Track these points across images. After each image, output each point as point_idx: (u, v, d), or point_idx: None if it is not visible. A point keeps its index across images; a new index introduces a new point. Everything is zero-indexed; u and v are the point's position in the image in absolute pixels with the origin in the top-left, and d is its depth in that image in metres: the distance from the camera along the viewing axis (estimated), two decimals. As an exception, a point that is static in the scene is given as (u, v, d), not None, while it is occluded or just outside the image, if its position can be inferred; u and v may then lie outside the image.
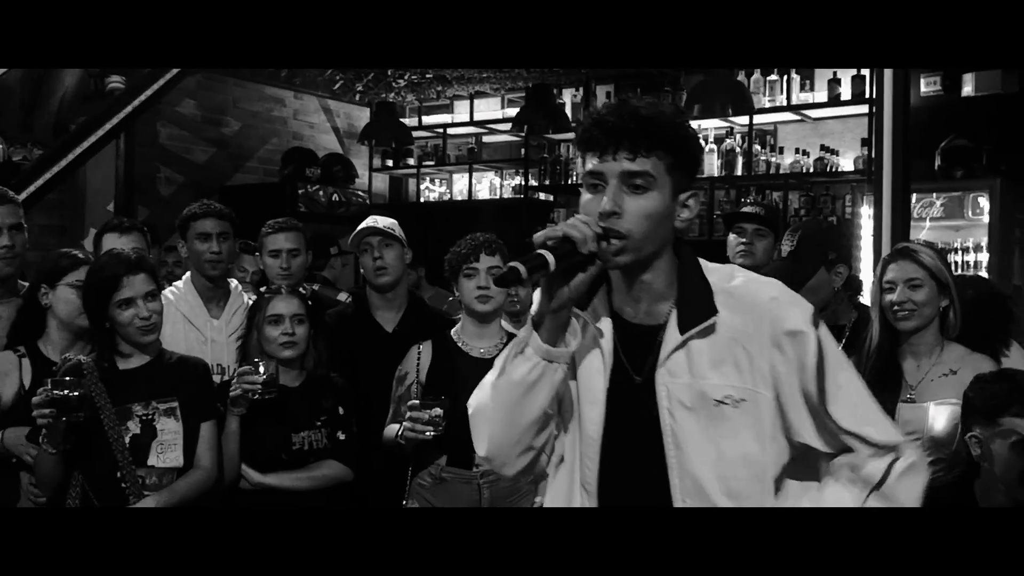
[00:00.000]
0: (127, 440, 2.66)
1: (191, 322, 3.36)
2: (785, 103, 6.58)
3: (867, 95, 6.10)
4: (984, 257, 5.50)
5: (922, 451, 1.84)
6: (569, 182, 7.57)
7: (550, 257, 1.43)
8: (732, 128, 6.79)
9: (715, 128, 6.80)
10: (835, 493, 1.57)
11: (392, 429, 2.92)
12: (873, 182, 4.18)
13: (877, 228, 4.06)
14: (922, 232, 5.61)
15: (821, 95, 6.48)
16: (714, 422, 1.55)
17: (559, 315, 1.53)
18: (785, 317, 1.56)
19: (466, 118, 8.09)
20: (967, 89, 5.96)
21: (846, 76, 6.32)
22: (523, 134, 7.54)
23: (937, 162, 5.72)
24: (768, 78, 6.61)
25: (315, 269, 5.11)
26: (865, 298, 3.41)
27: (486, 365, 2.87)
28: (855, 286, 3.21)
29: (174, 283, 3.49)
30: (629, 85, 7.26)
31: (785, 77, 6.57)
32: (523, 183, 7.77)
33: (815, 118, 6.68)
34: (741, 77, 6.59)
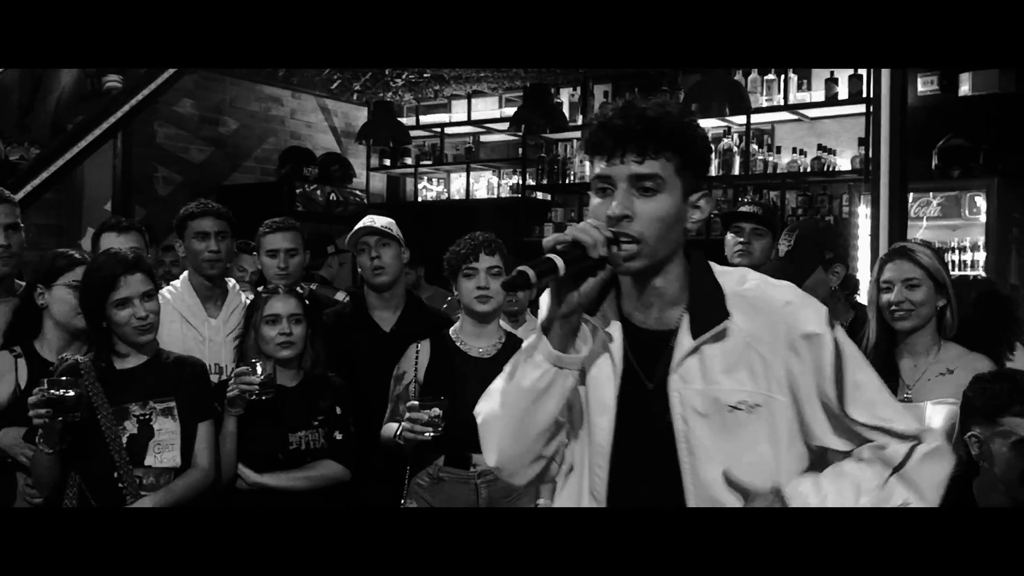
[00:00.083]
0: (124, 440, 2.66)
1: (189, 322, 3.35)
2: (782, 103, 6.59)
3: (864, 95, 6.11)
4: (981, 256, 5.51)
5: (947, 440, 1.80)
6: (567, 181, 7.58)
7: (559, 261, 1.41)
8: (729, 128, 6.80)
9: (712, 128, 6.80)
10: (857, 469, 1.53)
11: (390, 428, 2.91)
12: (870, 181, 4.18)
13: (874, 227, 4.07)
14: (919, 231, 5.61)
15: (818, 95, 6.49)
16: (728, 428, 1.53)
17: (569, 321, 1.51)
18: (800, 320, 1.54)
19: (464, 117, 8.09)
20: (964, 88, 5.97)
21: (843, 76, 6.33)
22: (521, 134, 7.55)
23: (934, 161, 5.73)
24: (765, 78, 6.61)
25: (312, 268, 5.11)
26: (862, 297, 3.41)
27: (484, 365, 2.92)
28: (852, 285, 3.22)
29: (171, 282, 3.48)
30: (627, 85, 7.26)
31: (782, 77, 6.58)
32: (521, 182, 7.77)
33: (812, 118, 6.69)
34: (738, 77, 6.60)
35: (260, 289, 3.15)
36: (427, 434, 2.72)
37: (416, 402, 2.77)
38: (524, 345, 1.58)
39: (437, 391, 2.82)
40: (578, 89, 7.54)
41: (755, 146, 6.69)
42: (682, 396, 1.54)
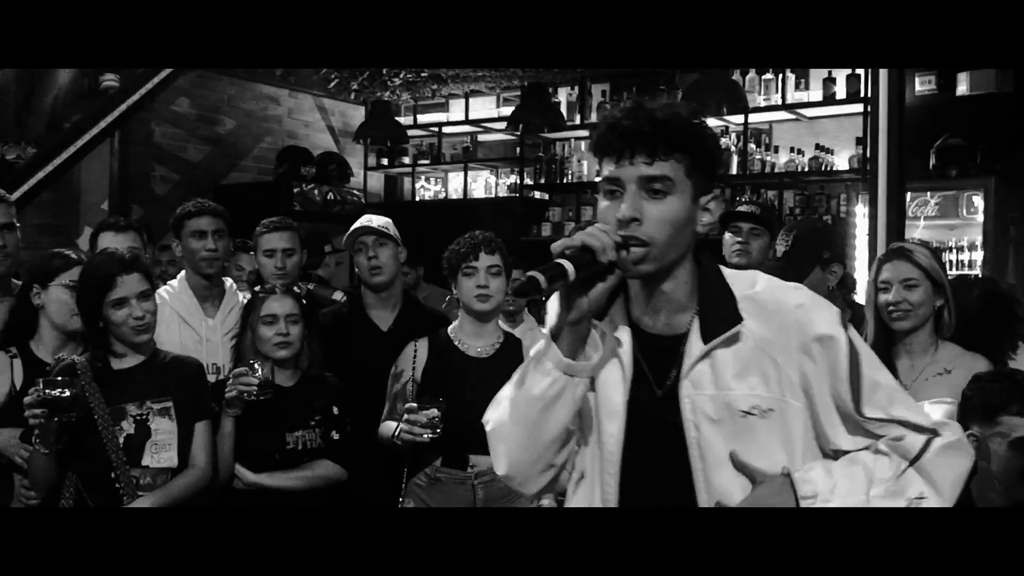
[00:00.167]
0: (121, 440, 2.65)
1: (186, 321, 3.35)
2: (780, 102, 6.59)
3: (862, 94, 6.11)
4: (979, 256, 5.52)
5: (964, 435, 1.77)
6: (565, 181, 7.58)
7: (569, 267, 1.39)
8: (727, 127, 6.80)
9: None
10: (871, 459, 1.50)
11: (388, 427, 2.91)
12: (868, 181, 4.18)
13: (872, 227, 4.07)
14: (917, 231, 5.62)
15: (816, 94, 6.49)
16: (741, 434, 1.50)
17: (579, 327, 1.48)
18: (814, 322, 1.52)
19: (461, 117, 8.08)
20: (962, 88, 5.97)
21: (841, 75, 6.33)
22: (518, 133, 7.54)
23: (932, 161, 5.73)
24: (763, 77, 6.62)
25: (310, 268, 5.10)
26: (859, 296, 3.42)
27: (482, 364, 2.92)
28: (849, 284, 3.22)
29: (169, 282, 3.48)
30: (625, 84, 7.26)
31: (780, 76, 6.58)
32: (518, 182, 7.77)
33: (810, 117, 6.69)
34: (736, 76, 6.60)
35: (257, 289, 3.14)
36: (425, 436, 2.71)
37: (414, 404, 2.77)
38: (533, 352, 1.55)
39: (435, 390, 2.82)
40: (576, 88, 7.53)
41: (753, 145, 6.69)
42: (694, 402, 1.52)
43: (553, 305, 1.55)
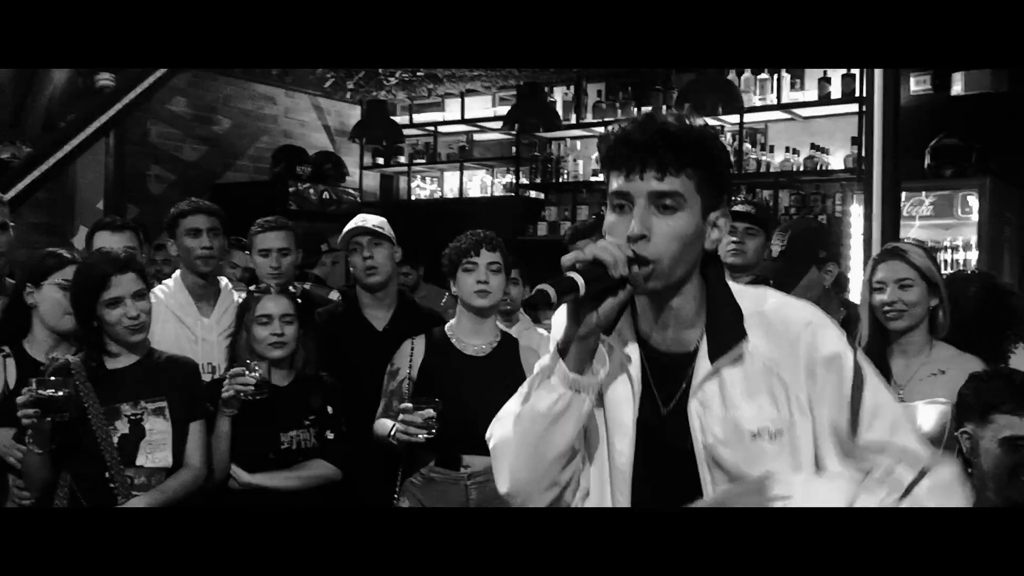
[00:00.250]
0: (115, 440, 2.65)
1: (181, 321, 3.34)
2: (775, 102, 6.60)
3: (857, 94, 6.12)
4: (973, 256, 5.52)
5: (961, 469, 1.70)
6: (560, 180, 7.58)
7: (580, 280, 1.36)
8: (723, 127, 6.80)
9: (706, 126, 6.81)
10: (857, 487, 1.46)
11: (384, 425, 2.91)
12: (863, 181, 4.19)
13: (867, 226, 4.07)
14: (912, 231, 5.62)
15: (811, 94, 6.50)
16: (751, 456, 1.47)
17: (587, 342, 1.44)
18: (819, 342, 1.49)
19: (457, 116, 8.08)
20: (957, 88, 5.98)
21: (836, 75, 6.34)
22: (514, 132, 7.54)
23: (927, 161, 5.74)
24: (758, 77, 6.63)
25: (306, 267, 5.10)
26: (852, 295, 3.42)
27: (479, 363, 2.92)
28: (842, 283, 3.23)
29: (164, 281, 3.48)
30: (621, 84, 7.27)
31: (775, 76, 6.59)
32: (514, 181, 7.77)
33: (805, 117, 6.70)
34: (731, 76, 6.61)
35: (252, 288, 3.14)
36: (420, 436, 2.71)
37: (410, 404, 2.77)
38: (538, 367, 1.51)
39: (430, 388, 2.82)
40: (572, 88, 7.53)
41: (748, 145, 6.70)
42: (703, 422, 1.49)
43: (559, 319, 1.53)
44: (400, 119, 8.33)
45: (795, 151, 6.62)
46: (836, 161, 6.54)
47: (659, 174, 1.43)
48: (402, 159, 8.40)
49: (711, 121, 6.67)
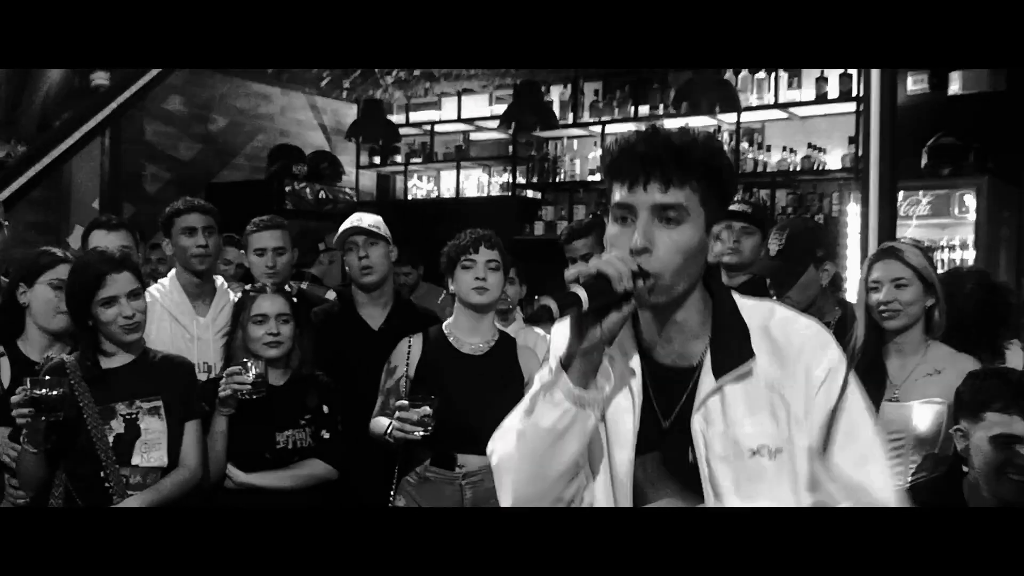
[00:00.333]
0: (111, 439, 2.65)
1: (177, 320, 3.34)
2: (772, 101, 6.60)
3: (854, 93, 6.12)
4: (971, 255, 5.52)
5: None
6: (557, 180, 7.58)
7: (583, 294, 1.34)
8: (720, 126, 6.81)
9: (702, 126, 6.81)
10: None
11: (380, 423, 2.91)
12: (860, 180, 4.19)
13: (864, 226, 4.07)
14: (909, 230, 5.62)
15: (808, 93, 6.50)
16: (751, 475, 1.46)
17: (590, 356, 1.42)
18: (816, 361, 1.48)
19: (454, 115, 8.08)
20: (954, 87, 5.98)
21: (833, 74, 6.35)
22: (511, 131, 7.54)
23: (924, 160, 5.74)
24: (755, 76, 6.63)
25: (303, 266, 5.10)
26: (849, 295, 3.42)
27: (476, 362, 2.92)
28: (837, 283, 3.23)
29: (159, 280, 3.47)
30: (618, 83, 7.27)
31: (772, 76, 6.59)
32: (511, 180, 7.77)
33: (802, 116, 6.70)
34: (728, 75, 6.60)
35: (248, 288, 3.14)
36: (417, 434, 2.71)
37: (405, 401, 2.77)
38: (539, 381, 1.50)
39: (427, 386, 2.81)
40: (569, 87, 7.53)
41: (745, 144, 6.71)
42: (706, 438, 1.48)
43: (559, 333, 1.51)
44: (396, 118, 8.32)
45: (792, 150, 6.62)
46: (833, 160, 6.54)
47: (663, 186, 1.42)
48: (398, 158, 8.39)
49: (708, 120, 6.68)
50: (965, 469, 2.38)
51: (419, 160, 8.33)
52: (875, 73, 4.01)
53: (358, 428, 3.03)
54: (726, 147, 6.66)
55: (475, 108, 8.05)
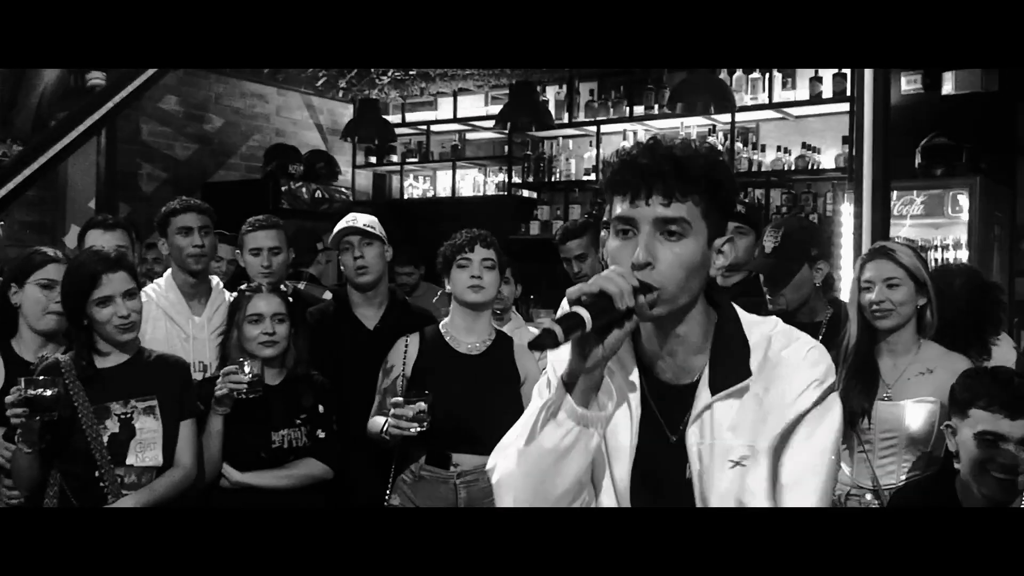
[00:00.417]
0: (105, 439, 2.65)
1: (173, 319, 3.34)
2: (767, 101, 6.61)
3: (848, 93, 6.13)
4: (964, 254, 5.54)
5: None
6: (553, 179, 7.58)
7: (586, 315, 1.32)
8: (714, 126, 6.82)
9: (697, 126, 6.83)
10: None
11: (377, 422, 2.91)
12: (854, 180, 4.20)
13: (857, 225, 4.08)
14: (903, 230, 5.65)
15: (803, 93, 6.51)
16: (735, 482, 1.46)
17: (592, 375, 1.40)
18: (803, 377, 1.47)
19: (449, 115, 8.07)
20: (947, 87, 6.00)
21: (827, 74, 6.35)
22: (507, 131, 7.54)
23: (918, 160, 5.75)
24: (750, 76, 6.63)
25: (301, 266, 5.10)
26: (841, 294, 3.43)
27: (472, 361, 2.92)
28: (829, 282, 3.24)
29: (155, 280, 3.47)
30: (613, 83, 7.28)
31: (767, 75, 6.60)
32: (507, 180, 7.77)
33: (797, 116, 6.71)
34: (723, 75, 6.61)
35: (243, 287, 3.14)
36: (412, 429, 2.72)
37: (400, 398, 2.77)
38: (543, 400, 1.48)
39: (424, 386, 2.82)
40: (564, 87, 7.53)
41: (740, 144, 6.71)
42: (700, 451, 1.48)
43: (554, 353, 1.49)
44: (392, 118, 8.31)
45: (786, 150, 6.63)
46: (827, 160, 6.55)
47: (665, 200, 1.41)
48: (394, 158, 8.39)
49: (703, 120, 6.68)
50: (957, 467, 2.40)
51: (415, 160, 8.33)
52: (868, 73, 4.02)
53: (353, 427, 3.03)
54: (721, 147, 6.67)
55: (471, 108, 8.05)
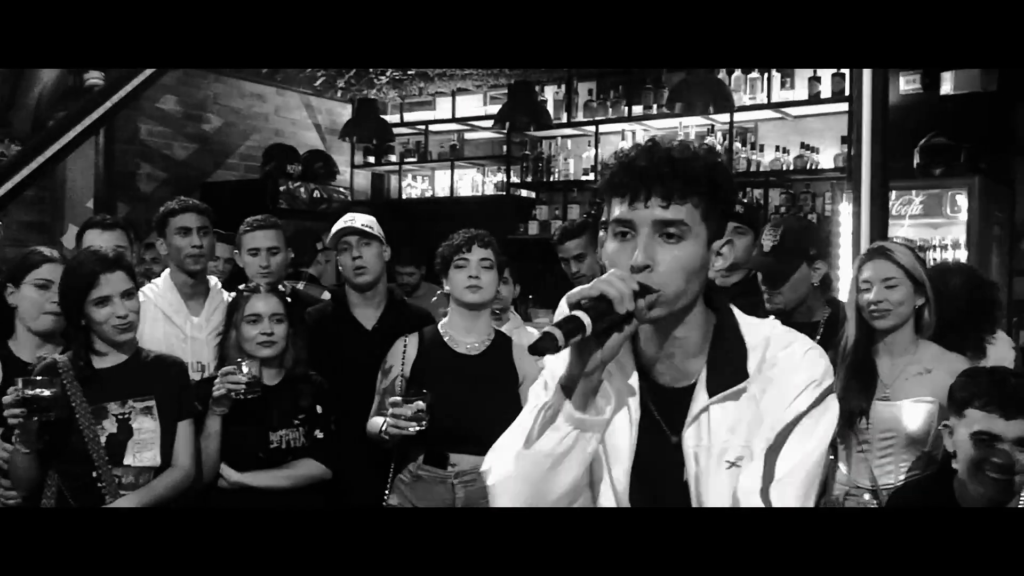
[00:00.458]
0: (103, 439, 2.65)
1: (171, 319, 3.34)
2: (765, 101, 6.61)
3: (847, 93, 6.11)
4: (962, 254, 5.54)
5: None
6: (551, 179, 7.58)
7: (586, 319, 1.31)
8: (713, 126, 6.82)
9: (696, 126, 6.83)
10: None
11: (376, 423, 2.91)
12: (852, 179, 4.20)
13: (856, 225, 4.08)
14: (901, 229, 5.65)
15: (801, 93, 6.51)
16: (731, 483, 1.46)
17: (591, 379, 1.39)
18: (801, 379, 1.47)
19: (448, 115, 8.07)
20: (946, 87, 6.00)
21: (826, 74, 6.35)
22: (505, 131, 7.54)
23: (916, 160, 5.75)
24: (749, 76, 6.63)
25: (300, 266, 5.10)
26: (840, 294, 3.44)
27: (471, 361, 2.92)
28: (826, 282, 3.24)
29: (153, 280, 3.47)
30: (611, 83, 7.28)
31: (765, 75, 6.60)
32: (505, 180, 7.77)
33: (795, 116, 6.71)
34: (722, 75, 6.61)
35: (242, 287, 3.14)
36: (411, 428, 2.72)
37: (399, 398, 2.77)
38: (536, 399, 1.48)
39: (423, 386, 2.82)
40: (563, 87, 7.54)
41: (738, 144, 6.71)
42: (696, 453, 1.48)
43: (560, 354, 1.47)
44: (391, 118, 8.31)
45: (785, 150, 6.63)
46: (826, 160, 6.55)
47: (664, 202, 1.41)
48: (393, 158, 8.39)
49: (702, 120, 6.68)
50: (955, 466, 2.40)
51: (413, 160, 8.33)
52: (867, 73, 4.02)
53: (352, 428, 3.03)
54: (719, 147, 6.67)
55: (469, 108, 8.04)
